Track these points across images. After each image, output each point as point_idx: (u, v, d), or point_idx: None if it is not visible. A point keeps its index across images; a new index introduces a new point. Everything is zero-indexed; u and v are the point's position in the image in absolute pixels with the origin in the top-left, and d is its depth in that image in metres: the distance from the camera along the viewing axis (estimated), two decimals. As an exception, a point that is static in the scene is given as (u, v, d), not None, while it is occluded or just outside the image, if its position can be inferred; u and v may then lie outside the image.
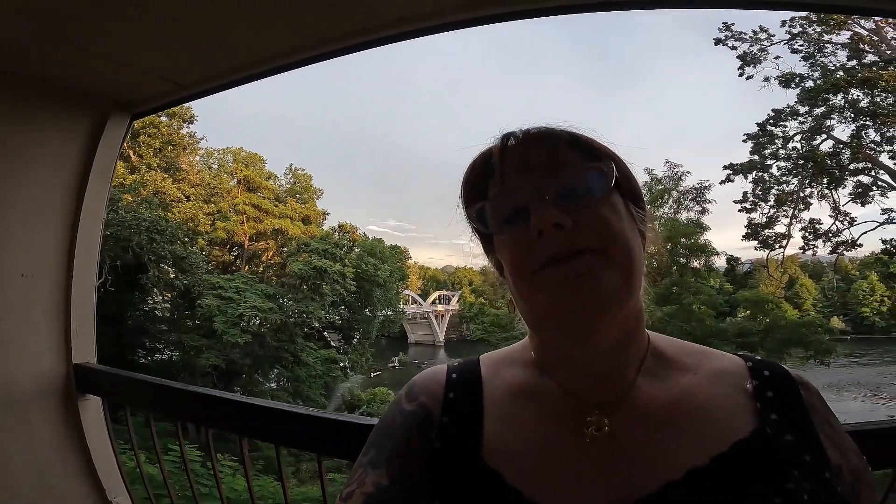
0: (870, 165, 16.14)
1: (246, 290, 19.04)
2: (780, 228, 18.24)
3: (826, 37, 15.76)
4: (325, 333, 23.38)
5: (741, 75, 17.45)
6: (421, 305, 50.49)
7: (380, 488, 0.68)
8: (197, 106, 21.42)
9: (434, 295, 55.18)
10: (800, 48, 16.23)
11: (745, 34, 17.11)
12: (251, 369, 19.98)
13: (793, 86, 16.49)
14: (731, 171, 18.35)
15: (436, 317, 50.90)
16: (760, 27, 16.88)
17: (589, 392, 0.68)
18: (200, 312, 18.20)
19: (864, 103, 15.33)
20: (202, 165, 23.66)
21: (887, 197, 15.97)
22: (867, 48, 15.15)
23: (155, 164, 19.64)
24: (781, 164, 17.67)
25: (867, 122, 15.41)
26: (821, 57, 15.94)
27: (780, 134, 17.39)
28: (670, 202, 19.39)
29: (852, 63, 15.40)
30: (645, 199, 0.76)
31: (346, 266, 21.52)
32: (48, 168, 2.12)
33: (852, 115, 15.56)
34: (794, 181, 17.64)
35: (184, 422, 2.02)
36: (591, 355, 0.67)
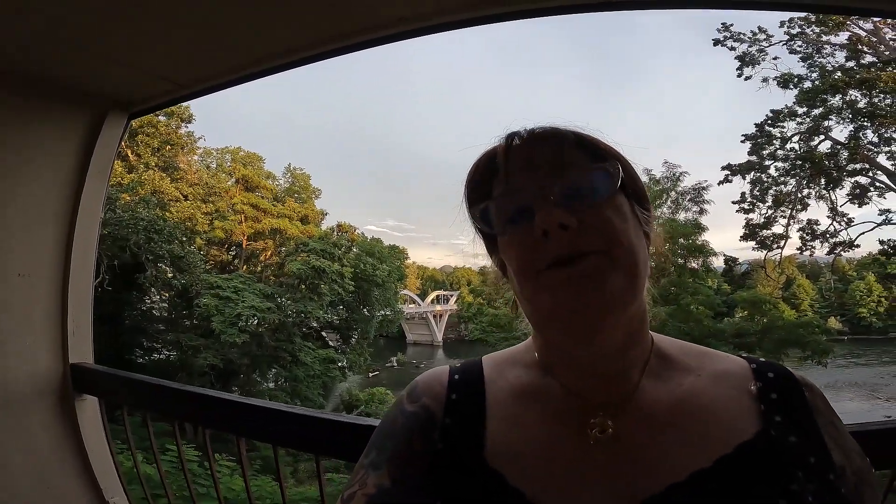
0: (867, 166, 16.20)
1: (244, 289, 19.03)
2: (777, 229, 18.32)
3: (824, 38, 15.80)
4: (324, 333, 23.38)
5: (740, 76, 17.51)
6: (419, 305, 50.52)
7: (382, 489, 0.67)
8: (195, 105, 21.39)
9: (432, 295, 55.21)
10: (798, 49, 16.28)
11: (744, 35, 17.15)
12: (249, 369, 19.96)
13: (791, 87, 16.53)
14: (729, 172, 18.39)
15: (434, 317, 50.92)
16: (759, 28, 16.94)
17: (592, 393, 0.68)
18: (198, 312, 18.18)
19: (862, 104, 15.37)
20: (200, 165, 23.64)
21: (885, 198, 16.06)
22: (865, 49, 15.18)
23: (153, 164, 19.60)
24: (779, 164, 17.74)
25: (865, 123, 15.46)
26: (819, 58, 15.98)
27: (779, 135, 17.45)
28: (668, 203, 19.42)
29: (850, 64, 15.45)
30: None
31: (344, 266, 21.52)
32: (45, 167, 2.11)
33: (850, 115, 15.60)
34: (792, 182, 17.69)
35: (181, 422, 2.01)
36: (595, 356, 0.67)
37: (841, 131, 16.33)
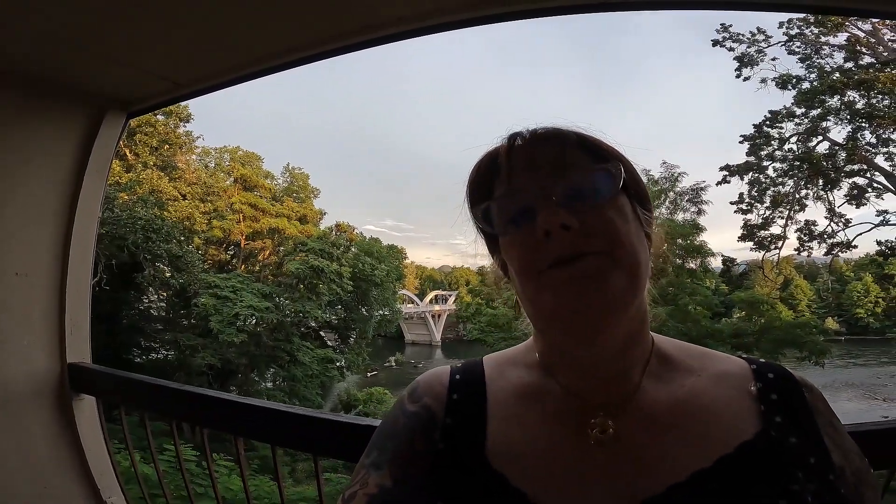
0: (865, 167, 16.23)
1: (242, 289, 19.01)
2: (775, 230, 18.36)
3: (823, 39, 15.83)
4: (322, 333, 23.37)
5: (738, 76, 17.53)
6: (418, 305, 50.50)
7: (383, 489, 0.67)
8: (194, 105, 21.35)
9: (431, 295, 55.21)
10: (797, 50, 16.31)
11: (743, 35, 17.18)
12: (247, 369, 19.95)
13: (789, 87, 16.56)
14: (727, 173, 18.42)
15: (433, 317, 50.91)
16: (758, 28, 16.97)
17: (594, 393, 0.68)
18: (196, 311, 18.18)
19: (860, 105, 15.41)
20: (199, 164, 23.60)
21: (882, 198, 16.09)
22: (864, 50, 15.22)
23: (151, 163, 19.57)
24: (777, 165, 17.77)
25: (863, 124, 15.50)
26: (818, 59, 16.01)
27: (777, 135, 17.47)
28: (667, 203, 19.43)
29: (849, 65, 15.49)
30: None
31: (342, 265, 21.50)
32: (43, 166, 2.11)
33: (848, 116, 15.64)
34: (790, 182, 17.72)
35: (179, 422, 2.01)
36: (597, 356, 0.67)
37: (839, 132, 16.39)
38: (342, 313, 23.31)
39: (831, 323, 40.71)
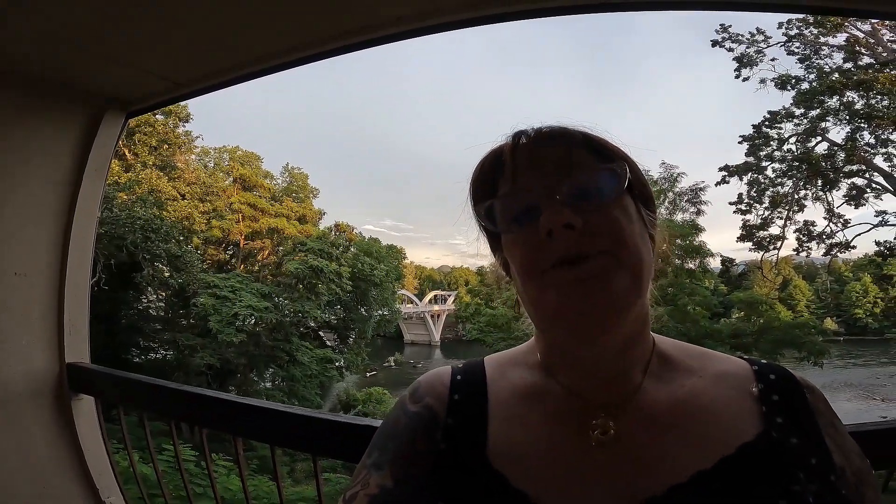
0: (864, 168, 16.25)
1: (241, 289, 18.99)
2: (774, 230, 18.38)
3: (822, 39, 15.84)
4: (321, 333, 23.36)
5: (738, 77, 17.55)
6: (417, 305, 50.50)
7: (384, 490, 0.67)
8: (193, 104, 21.31)
9: (430, 295, 55.21)
10: (796, 50, 16.32)
11: (742, 36, 17.20)
12: (246, 369, 19.94)
13: (788, 88, 16.58)
14: (726, 173, 18.45)
15: (432, 317, 50.90)
16: (757, 29, 16.99)
17: (595, 394, 0.68)
18: (195, 311, 18.16)
19: (859, 105, 15.42)
20: (198, 164, 23.57)
21: (881, 199, 16.11)
22: (863, 50, 15.23)
23: (150, 163, 19.54)
24: (776, 165, 17.80)
25: (862, 125, 15.51)
26: (817, 59, 16.02)
27: (776, 136, 17.50)
28: (666, 203, 19.44)
29: (848, 65, 15.49)
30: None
31: (342, 265, 21.50)
32: (42, 166, 2.10)
33: (847, 117, 15.65)
34: (789, 183, 17.74)
35: (178, 422, 2.01)
36: (598, 357, 0.67)
37: (838, 133, 16.40)
38: (341, 313, 23.30)
39: (830, 323, 40.71)
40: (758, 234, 18.48)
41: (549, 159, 0.67)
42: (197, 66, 1.91)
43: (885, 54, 14.82)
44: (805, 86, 16.31)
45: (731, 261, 20.97)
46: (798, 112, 16.75)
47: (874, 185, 16.26)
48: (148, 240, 15.93)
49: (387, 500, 0.66)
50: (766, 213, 18.20)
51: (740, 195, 18.45)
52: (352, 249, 23.91)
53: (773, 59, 16.93)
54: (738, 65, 17.40)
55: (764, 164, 17.88)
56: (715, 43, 17.52)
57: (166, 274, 17.51)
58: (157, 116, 19.63)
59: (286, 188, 26.29)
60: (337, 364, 22.29)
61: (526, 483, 0.63)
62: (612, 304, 0.61)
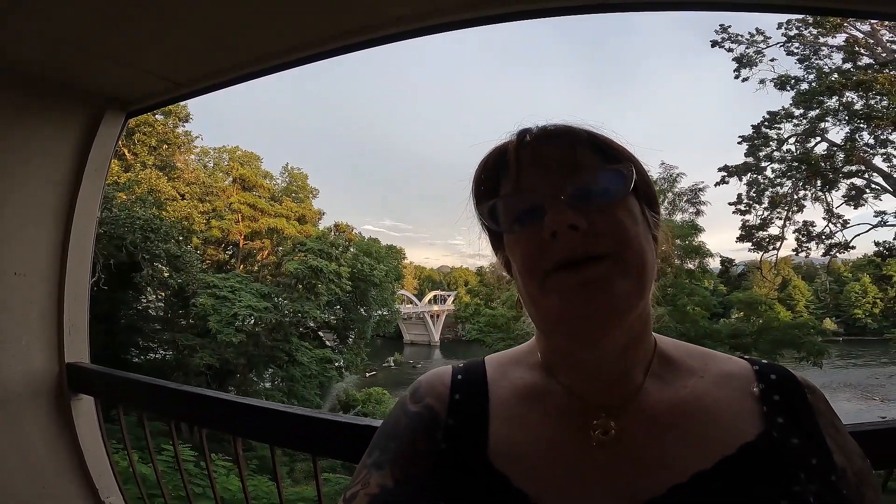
0: (863, 168, 16.27)
1: (241, 289, 18.99)
2: (773, 230, 18.41)
3: (822, 39, 15.85)
4: (321, 333, 23.35)
5: (737, 77, 17.59)
6: (416, 305, 50.52)
7: (384, 490, 0.67)
8: (193, 104, 21.31)
9: (430, 295, 55.23)
10: (795, 51, 16.34)
11: (742, 36, 17.21)
12: (245, 369, 19.92)
13: (788, 88, 16.60)
14: (725, 173, 18.48)
15: (431, 317, 50.90)
16: (757, 29, 17.01)
17: (596, 395, 0.68)
18: (194, 311, 18.14)
19: (858, 106, 15.44)
20: (197, 164, 23.56)
21: (880, 199, 16.13)
22: (862, 51, 15.24)
23: (150, 163, 19.53)
24: (776, 166, 17.83)
25: (861, 125, 15.53)
26: (816, 59, 16.04)
27: (775, 136, 17.52)
28: (665, 204, 19.46)
29: (847, 66, 15.51)
30: None
31: (341, 265, 21.49)
32: (42, 166, 2.10)
33: (847, 117, 15.67)
34: (788, 183, 17.76)
35: (177, 422, 2.01)
36: (600, 359, 0.66)
37: (837, 133, 16.43)
38: (341, 313, 23.29)
39: (829, 324, 40.72)
40: (757, 235, 18.50)
41: (554, 158, 0.66)
42: (197, 66, 1.91)
43: (884, 55, 14.83)
44: (804, 86, 16.36)
45: (731, 261, 20.96)
46: (797, 112, 16.80)
47: (873, 186, 16.28)
48: (147, 240, 15.91)
49: (387, 500, 0.66)
50: (766, 213, 18.24)
51: (739, 195, 18.50)
52: (351, 249, 23.91)
53: (772, 60, 16.99)
54: (737, 65, 17.43)
55: (763, 164, 17.91)
56: (714, 43, 17.55)
57: (166, 274, 17.50)
58: (156, 116, 19.62)
59: (286, 188, 26.29)
60: (336, 364, 22.29)
61: (527, 483, 0.62)
62: (614, 307, 0.60)
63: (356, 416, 1.51)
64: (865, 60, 15.24)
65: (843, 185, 16.72)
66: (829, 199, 17.16)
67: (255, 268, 23.83)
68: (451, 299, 53.70)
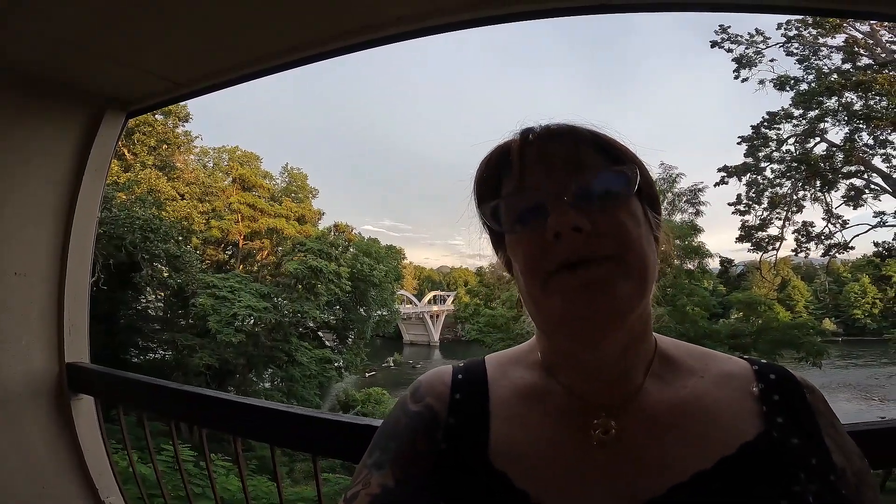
0: (863, 168, 16.27)
1: (240, 289, 18.99)
2: (773, 231, 18.39)
3: (821, 40, 15.86)
4: (320, 333, 23.35)
5: (736, 77, 17.58)
6: (416, 305, 50.49)
7: (385, 490, 0.67)
8: (192, 104, 21.31)
9: (429, 295, 55.18)
10: (795, 51, 16.34)
11: (742, 37, 17.21)
12: (245, 369, 19.92)
13: (787, 88, 16.59)
14: (725, 174, 18.46)
15: (431, 317, 50.87)
16: (756, 30, 17.01)
17: (596, 395, 0.68)
18: (194, 311, 18.15)
19: (857, 106, 15.44)
20: (197, 164, 23.55)
21: (879, 200, 16.13)
22: (862, 51, 15.25)
23: (150, 163, 19.52)
24: (775, 166, 17.81)
25: (861, 126, 15.53)
26: (815, 60, 16.04)
27: (774, 136, 17.51)
28: (665, 204, 19.42)
29: (847, 66, 15.51)
30: None
31: (341, 266, 21.51)
32: (42, 166, 2.10)
33: (846, 118, 15.67)
34: (788, 184, 17.75)
35: (177, 422, 2.01)
36: (601, 360, 0.66)
37: (836, 133, 16.43)
38: (340, 314, 23.29)
39: (828, 324, 40.73)
40: (756, 235, 18.49)
41: (558, 156, 0.65)
42: (197, 66, 1.91)
43: (883, 55, 14.84)
44: (804, 87, 16.35)
45: (730, 261, 20.97)
46: (797, 113, 16.79)
47: (872, 186, 16.29)
48: (147, 240, 15.91)
49: (388, 500, 0.66)
50: (765, 213, 18.23)
51: (739, 196, 18.49)
52: (351, 250, 23.93)
53: (772, 60, 16.99)
54: (737, 65, 17.43)
55: (763, 164, 17.90)
56: (714, 44, 17.54)
57: (165, 274, 17.49)
58: (156, 116, 19.62)
59: (285, 188, 26.28)
60: (336, 364, 22.30)
61: (527, 483, 0.62)
62: (616, 309, 0.60)
63: (356, 416, 1.51)
64: (865, 61, 15.25)
65: (843, 186, 16.74)
66: (828, 200, 17.18)
67: (255, 268, 23.83)
68: (450, 299, 53.68)
